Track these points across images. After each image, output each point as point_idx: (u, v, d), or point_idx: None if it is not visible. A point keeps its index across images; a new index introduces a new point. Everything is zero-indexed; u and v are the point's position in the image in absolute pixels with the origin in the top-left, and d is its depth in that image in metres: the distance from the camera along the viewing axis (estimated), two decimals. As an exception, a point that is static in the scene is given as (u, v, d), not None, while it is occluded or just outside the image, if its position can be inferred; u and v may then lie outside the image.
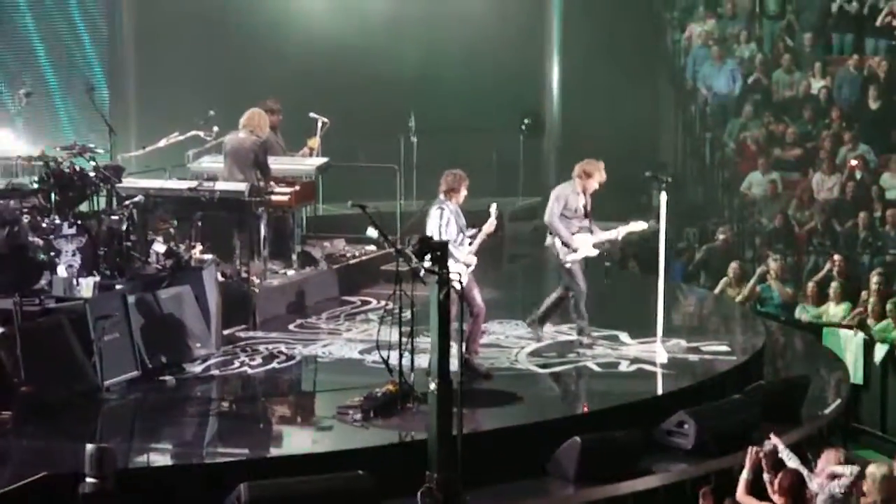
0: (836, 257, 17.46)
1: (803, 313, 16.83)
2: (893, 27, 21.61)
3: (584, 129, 21.26)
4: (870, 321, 15.98)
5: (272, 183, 15.17)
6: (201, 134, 15.88)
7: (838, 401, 13.47)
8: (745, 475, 10.80)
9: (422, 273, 11.06)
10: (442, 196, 12.70)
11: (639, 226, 13.96)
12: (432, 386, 10.45)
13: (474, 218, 12.70)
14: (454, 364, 12.66)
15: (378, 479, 10.34)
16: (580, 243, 13.58)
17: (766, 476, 10.37)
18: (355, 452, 10.95)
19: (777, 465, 10.74)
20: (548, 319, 13.99)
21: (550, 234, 13.69)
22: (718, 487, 10.64)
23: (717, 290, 17.89)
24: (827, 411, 13.15)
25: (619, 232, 13.81)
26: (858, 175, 19.57)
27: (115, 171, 14.15)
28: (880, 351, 15.53)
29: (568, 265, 13.58)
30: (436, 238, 12.41)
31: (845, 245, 18.16)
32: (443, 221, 12.54)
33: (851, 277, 17.14)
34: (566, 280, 13.68)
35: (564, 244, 13.56)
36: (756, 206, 19.86)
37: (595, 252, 13.65)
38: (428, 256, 10.68)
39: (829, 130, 20.71)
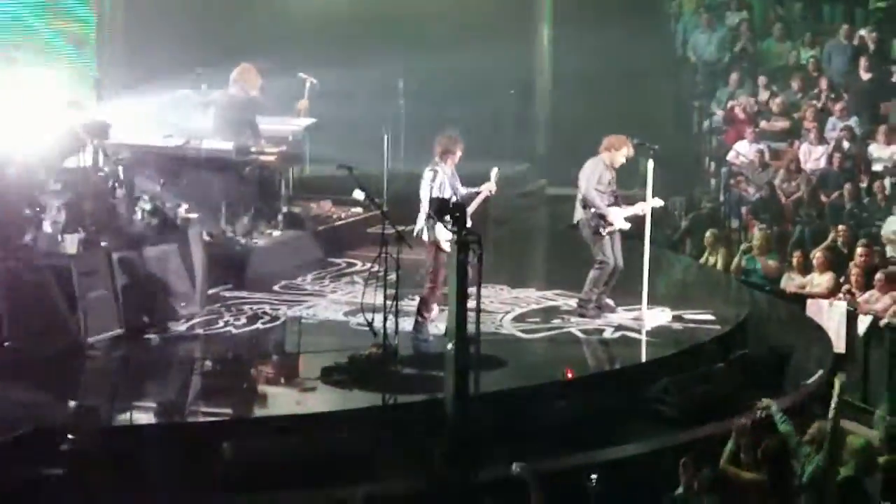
0: (841, 227, 17.39)
1: (789, 283, 16.84)
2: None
3: (575, 95, 21.23)
4: (855, 292, 16.00)
5: (263, 142, 15.13)
6: (189, 92, 15.81)
7: (821, 371, 13.49)
8: (729, 445, 10.84)
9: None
10: (437, 158, 12.68)
11: (657, 202, 13.95)
12: (450, 346, 10.46)
13: (467, 183, 12.68)
14: (442, 328, 12.77)
15: (362, 440, 10.36)
16: (614, 216, 13.55)
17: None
18: (339, 414, 10.96)
19: (760, 435, 10.78)
20: (603, 297, 13.88)
21: (584, 207, 13.61)
22: (700, 455, 10.66)
23: (702, 259, 17.91)
24: (810, 381, 13.18)
25: (642, 207, 13.73)
26: (846, 145, 19.56)
27: (101, 128, 14.08)
28: (864, 322, 15.55)
29: (603, 237, 13.53)
30: (427, 199, 12.45)
31: (831, 216, 18.14)
32: (436, 183, 12.54)
33: (833, 249, 17.15)
34: (598, 252, 13.62)
35: (601, 216, 13.52)
36: (742, 175, 19.83)
37: (627, 225, 13.62)
38: (447, 217, 10.71)
39: (818, 101, 20.68)
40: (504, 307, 14.05)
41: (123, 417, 10.77)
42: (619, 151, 13.63)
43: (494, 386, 11.51)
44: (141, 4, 20.31)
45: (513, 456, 10.60)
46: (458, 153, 12.69)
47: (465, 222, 10.63)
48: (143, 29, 20.18)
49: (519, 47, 22.40)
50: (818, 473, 10.02)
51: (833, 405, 10.17)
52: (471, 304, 10.68)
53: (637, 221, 13.72)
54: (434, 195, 12.33)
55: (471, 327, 10.54)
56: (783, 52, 22.00)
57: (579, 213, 13.68)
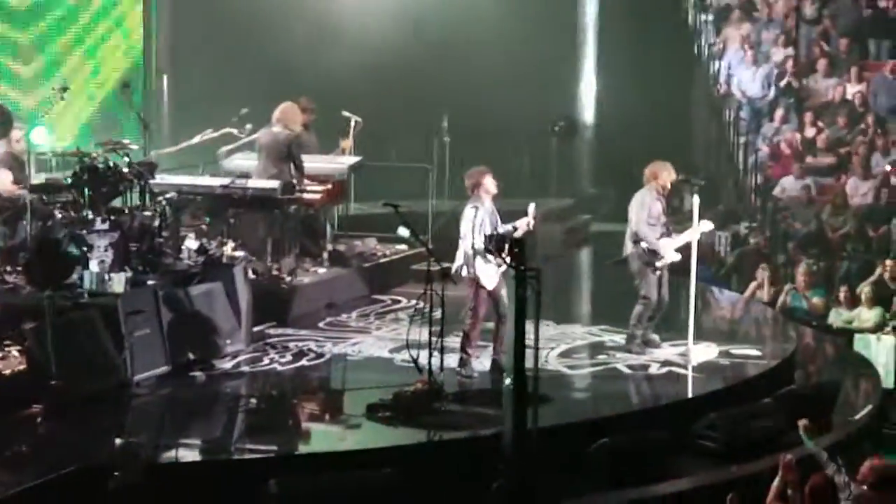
0: (888, 262, 17.31)
1: (836, 318, 16.75)
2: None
3: (618, 131, 21.26)
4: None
5: (306, 181, 15.20)
6: (234, 131, 15.94)
7: (869, 406, 13.39)
8: (776, 482, 10.75)
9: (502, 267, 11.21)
10: (473, 194, 12.69)
11: (707, 226, 13.90)
12: (508, 381, 10.46)
13: (510, 219, 12.67)
14: (486, 363, 12.76)
15: (406, 477, 10.34)
16: (665, 249, 13.53)
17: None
18: (384, 451, 10.95)
19: (806, 472, 10.69)
20: (649, 332, 13.85)
21: (634, 242, 13.58)
22: (747, 492, 10.58)
23: (746, 294, 17.83)
24: (858, 417, 13.07)
25: (692, 234, 13.65)
26: (893, 181, 19.46)
27: (149, 168, 14.21)
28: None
29: (656, 272, 13.50)
30: (468, 235, 12.48)
31: (878, 251, 18.05)
32: (477, 221, 12.53)
33: (880, 283, 17.06)
34: (643, 286, 13.59)
35: (652, 251, 13.50)
36: (789, 210, 19.77)
37: (678, 256, 13.56)
38: (505, 251, 10.73)
39: (864, 136, 20.60)
40: (549, 343, 14.02)
41: (169, 455, 10.75)
42: (659, 179, 13.56)
43: (540, 422, 11.47)
44: (187, 46, 20.49)
45: (560, 492, 10.61)
46: (490, 185, 12.63)
47: (524, 257, 10.62)
48: (188, 69, 20.37)
49: (563, 84, 22.47)
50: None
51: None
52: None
53: (682, 257, 13.65)
54: (475, 232, 12.35)
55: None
56: (829, 87, 21.93)
57: (629, 247, 13.63)
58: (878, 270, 17.33)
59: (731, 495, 10.37)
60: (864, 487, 9.77)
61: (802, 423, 10.27)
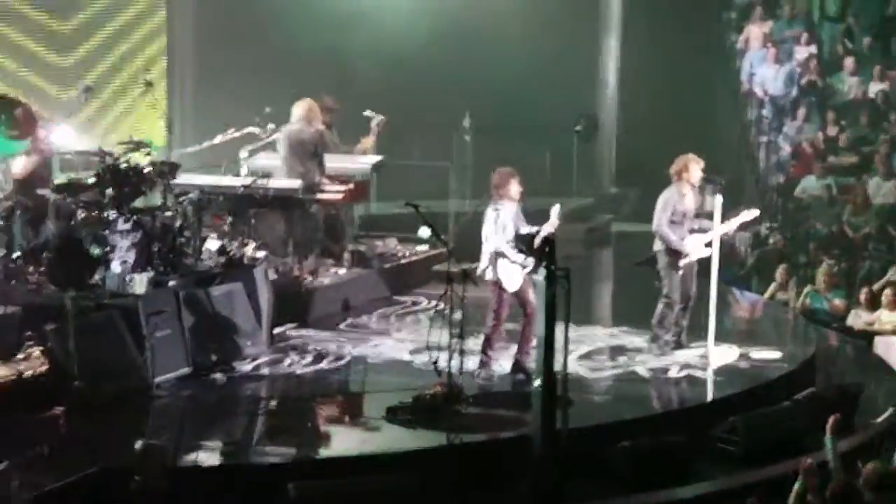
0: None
1: (856, 319, 16.71)
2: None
3: (640, 130, 21.22)
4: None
5: (326, 180, 15.21)
6: (256, 131, 15.93)
7: (891, 409, 13.34)
8: (797, 486, 10.74)
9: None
10: (496, 196, 12.68)
11: (751, 214, 13.87)
12: (537, 383, 10.48)
13: (533, 219, 12.66)
14: (507, 366, 12.76)
15: (426, 481, 10.36)
16: (691, 246, 13.48)
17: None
18: (403, 454, 10.97)
19: (827, 477, 10.67)
20: (680, 334, 13.78)
21: (661, 240, 13.56)
22: (767, 495, 10.58)
23: (766, 295, 17.80)
24: (880, 420, 13.03)
25: (729, 225, 13.60)
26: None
27: (171, 168, 14.23)
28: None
29: (679, 271, 13.49)
30: (491, 237, 12.48)
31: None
32: (498, 224, 12.54)
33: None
34: (666, 286, 13.58)
35: (673, 250, 13.49)
36: (811, 210, 19.73)
37: (708, 251, 13.46)
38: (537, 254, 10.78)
39: (887, 135, 20.53)
40: (570, 345, 13.97)
41: (189, 457, 10.80)
42: (688, 172, 13.51)
43: (558, 425, 11.48)
44: (210, 45, 20.52)
45: (581, 495, 10.62)
46: (515, 187, 12.62)
47: (555, 257, 10.62)
48: (211, 69, 20.40)
49: (585, 82, 22.43)
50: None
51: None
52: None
53: (704, 259, 13.60)
54: (497, 234, 12.36)
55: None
56: (852, 86, 21.85)
57: (657, 245, 13.62)
58: (891, 271, 17.30)
59: (751, 499, 10.39)
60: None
61: (833, 418, 10.26)
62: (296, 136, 15.00)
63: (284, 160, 15.09)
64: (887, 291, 16.61)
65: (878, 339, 15.90)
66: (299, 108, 15.15)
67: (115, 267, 12.77)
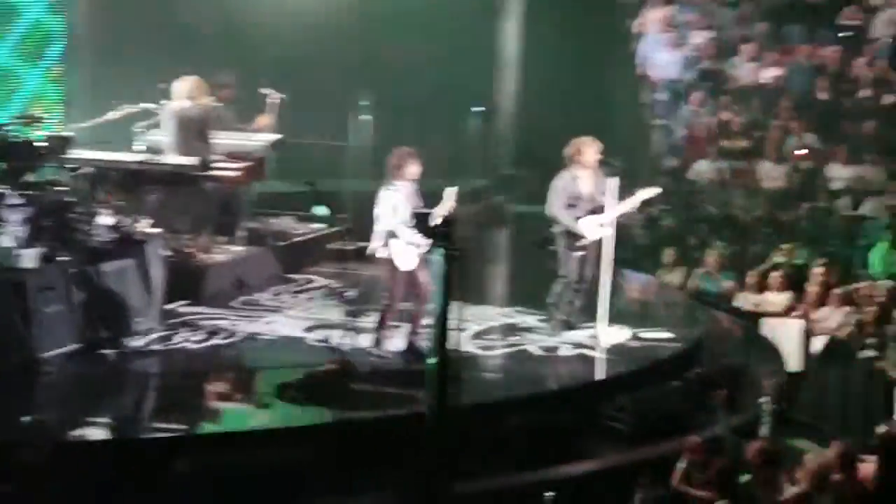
0: (784, 246, 17.60)
1: (744, 301, 16.97)
2: (849, 23, 21.82)
3: (538, 113, 21.30)
4: (810, 311, 16.17)
5: (222, 158, 15.15)
6: (152, 106, 15.80)
7: (774, 389, 13.59)
8: (682, 464, 10.94)
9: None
10: (392, 175, 12.72)
11: (650, 192, 14.00)
12: (432, 360, 10.51)
13: (429, 200, 12.67)
14: (400, 344, 12.81)
15: (318, 457, 10.39)
16: (587, 228, 13.59)
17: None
18: (295, 430, 10.99)
19: (711, 455, 10.88)
20: (573, 314, 13.90)
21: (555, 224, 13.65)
22: (654, 474, 10.76)
23: (658, 276, 18.02)
24: (763, 399, 13.27)
25: (627, 205, 13.72)
26: (805, 165, 19.71)
27: (64, 143, 14.10)
28: (819, 340, 15.71)
29: (576, 252, 13.57)
30: (384, 216, 12.52)
31: (789, 235, 18.28)
32: (393, 202, 12.58)
33: (794, 267, 17.31)
34: (561, 265, 13.69)
35: (568, 232, 13.56)
36: (703, 193, 19.96)
37: (606, 231, 13.55)
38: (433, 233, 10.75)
39: (778, 120, 20.81)
40: (463, 324, 14.05)
41: (77, 433, 10.71)
42: (581, 155, 13.62)
43: (451, 402, 11.53)
44: (107, 19, 20.28)
45: (471, 472, 10.69)
46: (413, 168, 12.67)
47: (452, 237, 10.66)
48: (108, 43, 20.17)
49: (484, 64, 22.46)
50: (755, 490, 10.16)
51: (767, 424, 10.32)
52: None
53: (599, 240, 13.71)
54: (391, 214, 12.41)
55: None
56: (746, 71, 22.10)
57: (556, 227, 13.72)
58: (773, 255, 17.59)
59: (641, 477, 10.57)
60: None
61: (720, 393, 10.47)
62: (181, 113, 14.90)
63: (175, 138, 14.96)
64: (774, 274, 16.88)
65: (764, 321, 16.16)
66: (183, 85, 15.05)
67: (5, 241, 12.62)
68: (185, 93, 14.96)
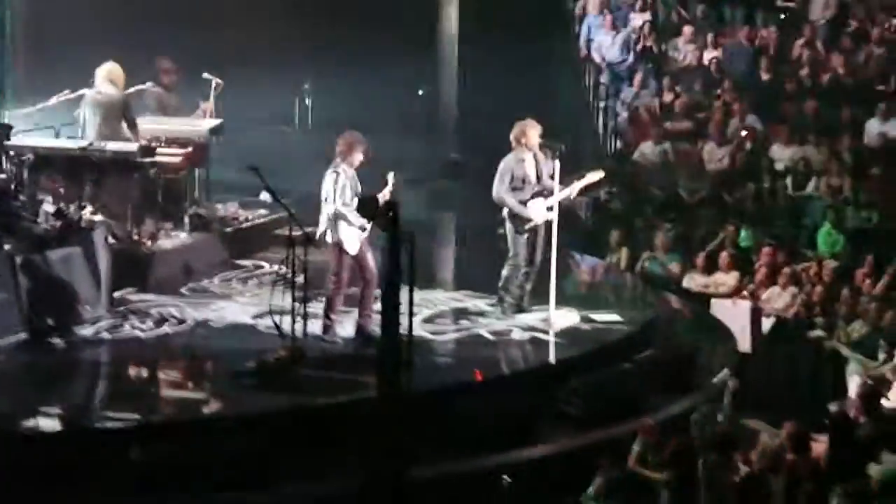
0: (730, 227, 17.69)
1: (691, 282, 17.03)
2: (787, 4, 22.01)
3: (481, 96, 21.24)
4: (758, 291, 16.26)
5: (163, 143, 15.06)
6: (90, 91, 15.60)
7: (725, 370, 13.65)
8: (636, 445, 10.96)
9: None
10: (338, 159, 12.67)
11: (596, 175, 14.00)
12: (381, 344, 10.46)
13: (371, 184, 12.62)
14: (350, 329, 12.75)
15: (270, 444, 10.33)
16: (534, 211, 13.55)
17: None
18: (248, 417, 10.91)
19: (667, 436, 10.91)
20: (523, 298, 13.85)
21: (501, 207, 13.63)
22: (610, 457, 10.77)
23: (606, 260, 18.05)
24: (715, 380, 13.33)
25: (574, 188, 13.71)
26: (748, 146, 19.81)
27: (3, 129, 13.91)
28: (768, 321, 15.79)
29: (524, 234, 13.54)
30: (330, 200, 12.46)
31: (738, 216, 18.36)
32: (338, 185, 12.54)
33: (740, 248, 17.41)
34: (511, 247, 13.65)
35: (516, 215, 13.53)
36: (647, 175, 20.00)
37: (551, 215, 13.52)
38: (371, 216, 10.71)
39: (720, 101, 20.91)
40: (414, 308, 14.00)
41: (28, 424, 10.56)
42: (527, 137, 13.60)
43: (403, 387, 11.48)
44: (44, 3, 20.03)
45: (425, 457, 10.65)
46: (360, 154, 12.66)
47: (398, 221, 10.60)
48: (45, 26, 19.91)
49: (425, 48, 22.38)
50: (713, 472, 10.21)
51: (726, 404, 10.39)
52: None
53: (546, 224, 13.69)
54: (336, 197, 12.35)
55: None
56: (687, 53, 22.18)
57: (504, 211, 13.69)
58: (721, 235, 17.68)
59: (601, 459, 10.59)
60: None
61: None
62: (105, 98, 14.75)
63: (94, 123, 14.77)
64: (724, 254, 16.96)
65: (714, 301, 16.21)
66: (103, 71, 14.90)
67: (-53, 231, 12.47)
68: (101, 78, 14.80)
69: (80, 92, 15.53)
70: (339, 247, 12.58)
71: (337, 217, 12.50)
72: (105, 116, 14.70)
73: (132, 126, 14.77)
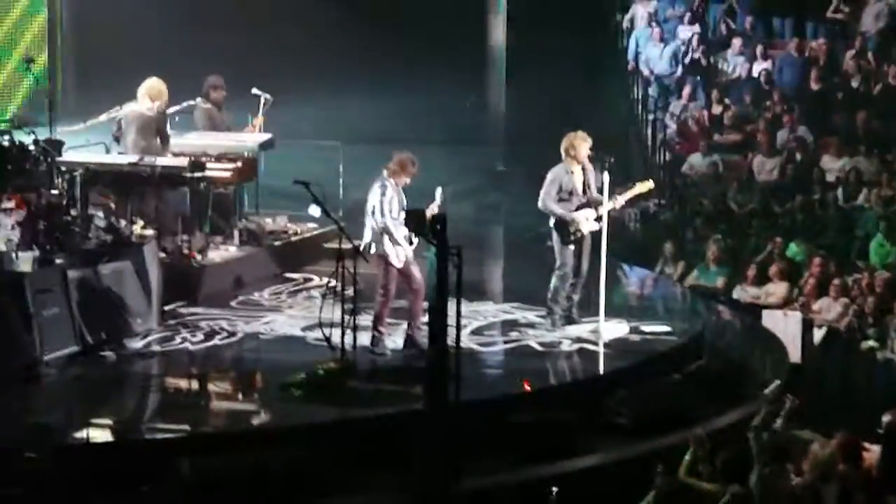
0: (778, 239, 17.62)
1: (742, 294, 16.96)
2: (837, 16, 21.90)
3: (528, 109, 21.25)
4: (809, 302, 16.16)
5: (213, 158, 15.16)
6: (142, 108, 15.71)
7: (777, 381, 13.56)
8: (688, 456, 10.90)
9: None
10: (385, 172, 12.71)
11: (645, 186, 13.99)
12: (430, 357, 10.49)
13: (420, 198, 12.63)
14: (398, 341, 12.78)
15: (318, 456, 10.34)
16: (581, 220, 13.55)
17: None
18: (297, 429, 10.93)
19: (717, 446, 10.83)
20: (571, 309, 13.84)
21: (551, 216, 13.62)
22: (661, 467, 10.71)
23: (656, 271, 18.00)
24: (766, 391, 13.24)
25: (622, 198, 13.72)
26: (798, 157, 19.72)
27: (55, 145, 14.04)
28: (819, 331, 15.70)
29: (569, 245, 13.55)
30: (377, 214, 12.50)
31: (789, 228, 18.26)
32: (386, 198, 12.57)
33: (791, 259, 17.31)
34: (558, 258, 13.64)
35: (563, 223, 13.54)
36: (697, 187, 19.95)
37: (597, 226, 13.52)
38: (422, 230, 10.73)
39: (769, 113, 20.84)
40: (462, 321, 14.01)
41: (80, 435, 10.67)
42: (575, 149, 13.58)
43: (451, 399, 11.49)
44: (93, 19, 20.20)
45: (473, 468, 10.65)
46: (409, 177, 12.74)
47: (445, 234, 10.62)
48: (95, 44, 20.09)
49: (474, 61, 22.42)
50: (767, 482, 10.13)
51: (784, 416, 10.31)
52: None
53: (594, 235, 13.68)
54: (383, 210, 12.39)
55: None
56: (736, 65, 22.14)
57: (551, 221, 13.68)
58: (769, 246, 17.59)
59: (660, 467, 10.54)
60: None
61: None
62: (140, 113, 14.88)
63: (128, 137, 14.89)
64: (774, 266, 16.88)
65: (765, 313, 16.13)
66: (144, 87, 15.02)
67: (0, 246, 12.55)
68: (142, 93, 14.93)
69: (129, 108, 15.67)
70: (385, 259, 12.61)
71: (384, 230, 12.53)
72: (140, 131, 14.81)
73: (165, 141, 14.89)
